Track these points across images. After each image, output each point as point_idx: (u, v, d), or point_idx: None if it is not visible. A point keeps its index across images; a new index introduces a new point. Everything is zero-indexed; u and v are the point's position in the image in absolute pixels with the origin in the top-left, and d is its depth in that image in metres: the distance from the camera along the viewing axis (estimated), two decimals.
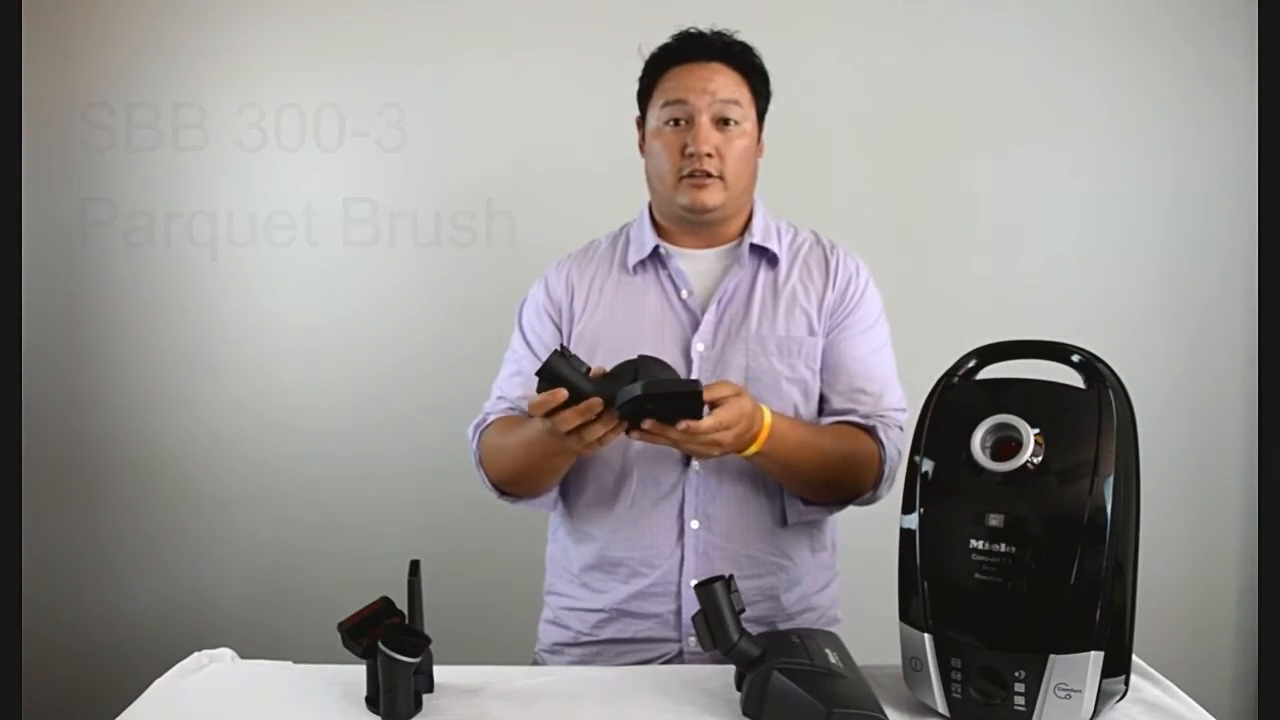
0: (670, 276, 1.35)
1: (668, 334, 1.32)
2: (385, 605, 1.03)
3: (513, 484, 1.33)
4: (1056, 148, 2.18)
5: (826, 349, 1.34)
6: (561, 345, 1.04)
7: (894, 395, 1.34)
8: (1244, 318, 2.17)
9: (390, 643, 0.95)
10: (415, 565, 1.05)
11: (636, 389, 1.02)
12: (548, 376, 1.03)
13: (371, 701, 1.01)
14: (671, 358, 1.30)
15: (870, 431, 1.29)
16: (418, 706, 1.00)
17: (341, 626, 0.99)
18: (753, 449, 1.17)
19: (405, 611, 1.03)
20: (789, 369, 1.31)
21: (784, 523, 1.33)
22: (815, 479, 1.28)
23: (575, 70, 2.15)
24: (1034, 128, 2.18)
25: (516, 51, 2.16)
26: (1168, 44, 2.16)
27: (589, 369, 1.05)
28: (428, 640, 0.97)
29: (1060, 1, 2.16)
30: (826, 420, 1.33)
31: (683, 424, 1.06)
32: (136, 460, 2.23)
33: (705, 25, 1.33)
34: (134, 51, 2.17)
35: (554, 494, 1.37)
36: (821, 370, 1.34)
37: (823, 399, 1.35)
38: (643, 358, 1.09)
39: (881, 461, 1.28)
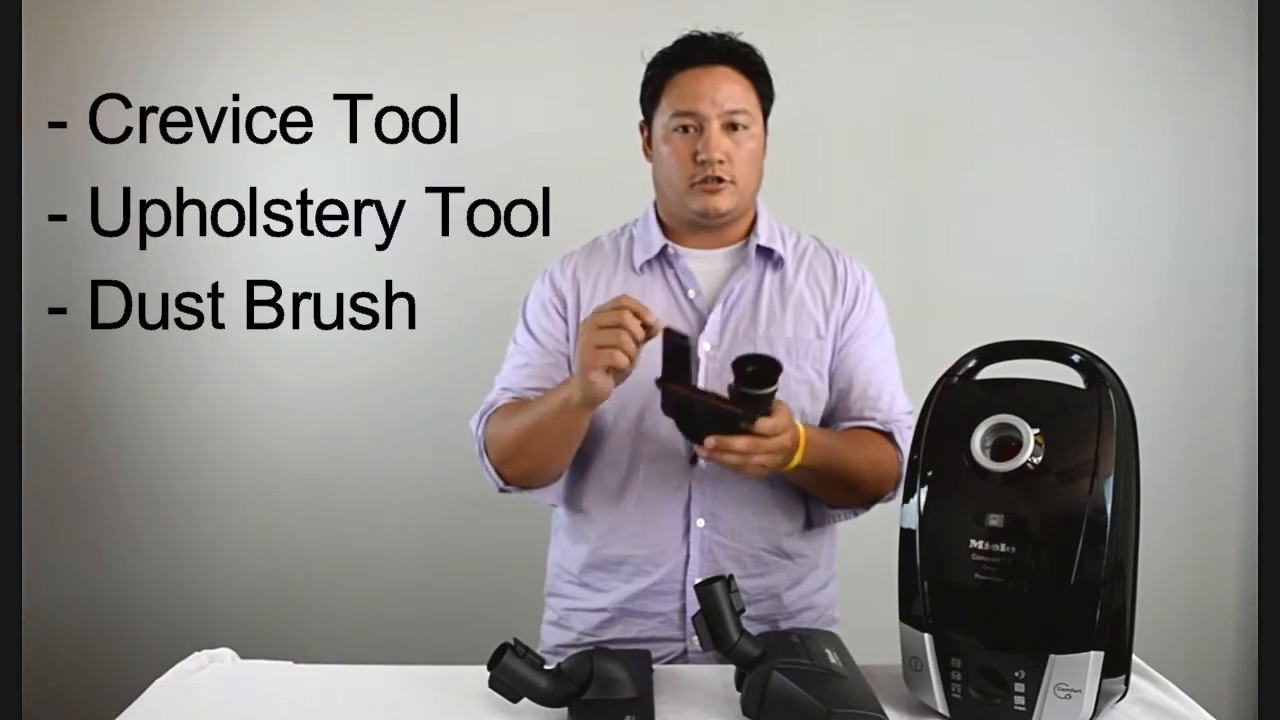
0: (677, 276, 1.35)
1: None
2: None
3: (517, 464, 1.28)
4: (1057, 149, 2.18)
5: (838, 358, 1.35)
6: (514, 640, 0.94)
7: (902, 401, 1.36)
8: (1244, 318, 2.17)
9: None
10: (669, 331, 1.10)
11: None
12: (504, 674, 0.94)
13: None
14: None
15: (889, 436, 1.31)
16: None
17: None
18: (795, 461, 1.18)
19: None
20: (797, 370, 1.32)
21: (809, 524, 1.35)
22: (845, 485, 1.29)
23: (577, 67, 2.15)
24: (1034, 128, 2.18)
25: (523, 43, 2.16)
26: (1169, 47, 2.16)
27: (543, 661, 0.97)
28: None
29: (1062, 3, 2.16)
30: (844, 426, 1.34)
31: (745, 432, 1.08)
32: (137, 460, 2.23)
33: (708, 28, 1.32)
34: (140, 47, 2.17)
35: (559, 484, 1.35)
36: (834, 379, 1.35)
37: (835, 407, 1.36)
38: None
39: (900, 464, 1.30)
